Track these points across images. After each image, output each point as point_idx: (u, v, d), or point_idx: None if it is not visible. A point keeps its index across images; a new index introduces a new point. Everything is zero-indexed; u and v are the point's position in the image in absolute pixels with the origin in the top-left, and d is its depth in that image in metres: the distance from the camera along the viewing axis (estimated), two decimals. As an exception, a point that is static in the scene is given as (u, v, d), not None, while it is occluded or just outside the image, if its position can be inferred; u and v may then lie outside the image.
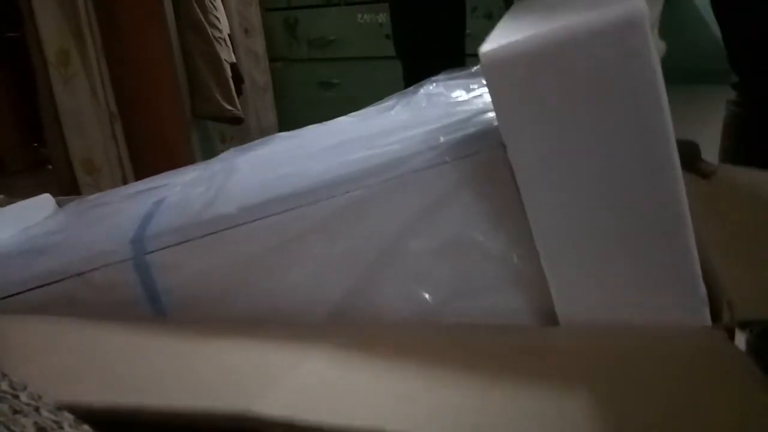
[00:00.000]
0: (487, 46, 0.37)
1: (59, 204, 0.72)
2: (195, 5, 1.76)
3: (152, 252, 0.48)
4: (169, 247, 0.48)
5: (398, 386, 0.36)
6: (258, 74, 2.20)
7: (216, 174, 0.54)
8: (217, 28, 1.85)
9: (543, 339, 0.41)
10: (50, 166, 1.71)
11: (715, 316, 0.38)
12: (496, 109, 0.38)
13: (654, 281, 0.38)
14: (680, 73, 0.82)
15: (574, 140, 0.37)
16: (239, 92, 1.96)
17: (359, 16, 2.02)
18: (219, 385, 0.38)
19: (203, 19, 1.78)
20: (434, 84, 0.61)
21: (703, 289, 0.38)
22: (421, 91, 0.59)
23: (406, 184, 0.43)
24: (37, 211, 0.67)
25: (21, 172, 2.34)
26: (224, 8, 1.98)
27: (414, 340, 0.42)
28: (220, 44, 1.85)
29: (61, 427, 0.34)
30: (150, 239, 0.49)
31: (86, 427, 0.35)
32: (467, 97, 0.51)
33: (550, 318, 0.42)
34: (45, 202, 0.71)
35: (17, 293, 0.51)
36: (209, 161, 0.62)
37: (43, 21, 1.43)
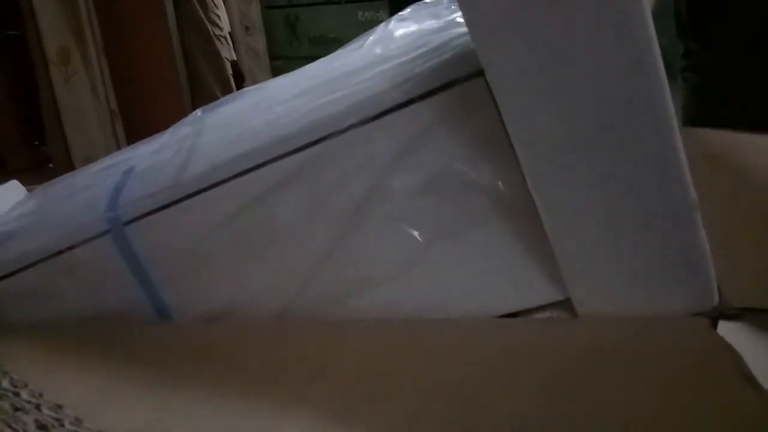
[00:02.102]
0: None
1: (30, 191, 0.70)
2: (196, 3, 1.75)
3: (129, 222, 0.47)
4: (145, 215, 0.47)
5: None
6: (259, 72, 2.20)
7: (185, 137, 0.53)
8: (218, 26, 1.85)
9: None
10: (51, 165, 1.71)
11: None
12: (470, 27, 0.36)
13: (659, 238, 0.37)
14: (677, 68, 0.82)
15: (556, 55, 0.34)
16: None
17: (360, 13, 2.01)
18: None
19: (204, 17, 1.78)
20: (404, 16, 0.58)
21: (710, 268, 0.37)
22: (392, 23, 0.56)
23: (383, 124, 0.41)
24: (6, 198, 0.65)
25: (22, 171, 2.34)
26: (225, 6, 1.97)
27: None
28: (221, 42, 1.84)
29: (62, 425, 0.34)
30: (124, 208, 0.47)
31: (87, 424, 0.35)
32: (441, 23, 0.49)
33: (540, 248, 0.41)
34: (14, 188, 0.69)
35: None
36: (174, 126, 0.59)
37: (44, 19, 1.42)
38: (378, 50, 0.51)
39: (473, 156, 0.40)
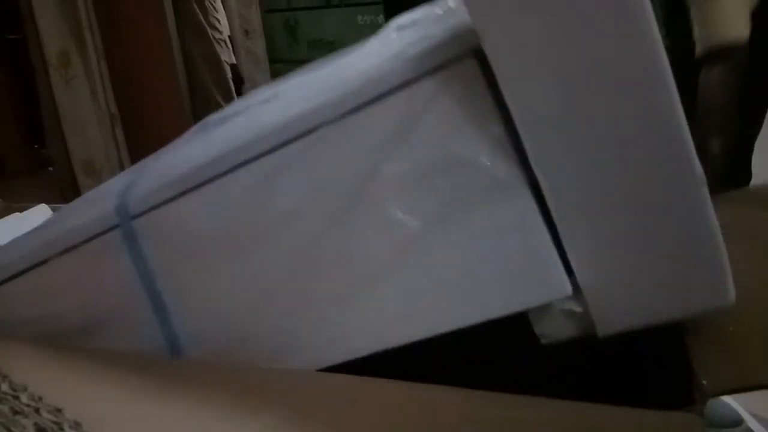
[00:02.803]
0: None
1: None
2: (195, 7, 1.76)
3: (137, 216, 0.47)
4: (152, 209, 0.46)
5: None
6: (258, 75, 2.20)
7: (196, 134, 0.53)
8: (218, 30, 1.85)
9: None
10: (51, 168, 1.72)
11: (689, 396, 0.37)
12: (468, 1, 0.35)
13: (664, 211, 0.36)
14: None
15: (552, 23, 0.34)
16: (240, 93, 1.96)
17: (359, 17, 2.02)
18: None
19: (203, 21, 1.78)
20: (404, 17, 0.59)
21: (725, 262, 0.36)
22: (392, 23, 0.56)
23: (377, 109, 0.41)
24: (33, 221, 0.66)
25: (22, 174, 2.34)
26: (224, 10, 1.98)
27: None
28: (221, 45, 1.85)
29: (62, 429, 0.34)
30: (133, 203, 0.47)
31: (86, 427, 0.35)
32: (439, 12, 0.49)
33: (544, 235, 0.39)
34: (42, 212, 0.70)
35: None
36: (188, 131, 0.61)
37: (44, 23, 1.43)
38: (377, 42, 0.51)
39: (469, 137, 0.40)
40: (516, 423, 0.37)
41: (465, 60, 0.39)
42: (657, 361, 0.40)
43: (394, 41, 0.48)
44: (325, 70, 0.52)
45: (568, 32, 0.35)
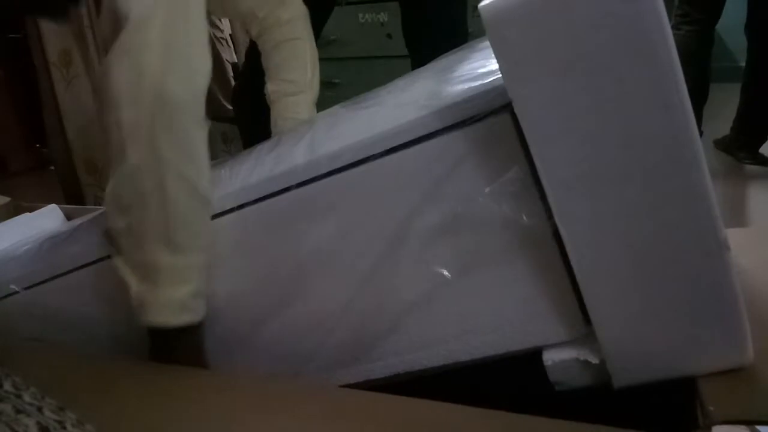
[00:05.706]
0: (486, 1, 0.36)
1: (67, 215, 0.72)
2: (196, 5, 1.75)
3: None
4: None
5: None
6: (259, 74, 2.19)
7: (223, 163, 0.56)
8: (219, 29, 1.85)
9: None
10: (52, 167, 1.72)
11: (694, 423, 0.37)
12: (499, 60, 0.37)
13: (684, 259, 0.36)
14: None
15: (583, 88, 0.35)
16: (241, 92, 1.96)
17: (360, 15, 2.01)
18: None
19: (204, 19, 1.78)
20: (448, 56, 0.60)
21: (744, 321, 0.37)
22: (439, 60, 0.58)
23: (409, 156, 0.42)
24: (44, 221, 0.67)
25: (23, 173, 2.34)
26: (225, 8, 1.97)
27: None
28: (222, 44, 1.85)
29: (64, 427, 0.34)
30: None
31: (89, 427, 0.35)
32: (469, 62, 0.51)
33: (565, 284, 0.40)
34: (52, 212, 0.71)
35: (43, 281, 0.52)
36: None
37: (45, 22, 1.43)
38: (418, 82, 0.53)
39: (499, 191, 0.41)
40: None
41: (499, 115, 0.40)
42: (662, 385, 0.41)
43: (431, 84, 0.49)
44: (363, 109, 0.53)
45: (600, 99, 0.35)
